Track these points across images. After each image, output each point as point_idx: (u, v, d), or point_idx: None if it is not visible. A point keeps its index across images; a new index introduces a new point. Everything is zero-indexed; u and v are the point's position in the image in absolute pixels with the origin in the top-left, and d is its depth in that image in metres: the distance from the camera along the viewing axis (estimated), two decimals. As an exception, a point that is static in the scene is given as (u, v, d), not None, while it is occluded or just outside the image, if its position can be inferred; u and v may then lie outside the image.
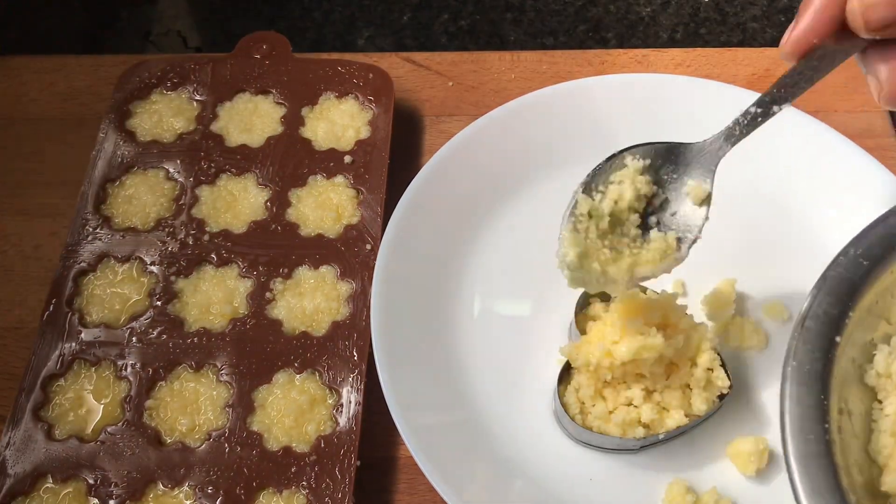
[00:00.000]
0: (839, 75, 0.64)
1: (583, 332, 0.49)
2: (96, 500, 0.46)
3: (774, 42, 0.80)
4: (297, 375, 0.50)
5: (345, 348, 0.50)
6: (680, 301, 0.49)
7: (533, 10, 0.84)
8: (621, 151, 0.44)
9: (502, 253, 0.56)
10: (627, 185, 0.43)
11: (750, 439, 0.47)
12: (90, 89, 0.66)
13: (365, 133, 0.59)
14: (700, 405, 0.47)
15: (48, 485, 0.47)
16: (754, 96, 0.57)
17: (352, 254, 0.54)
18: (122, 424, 0.48)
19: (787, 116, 0.56)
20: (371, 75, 0.61)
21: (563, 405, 0.48)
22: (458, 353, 0.52)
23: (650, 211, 0.44)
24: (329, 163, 0.58)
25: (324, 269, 0.54)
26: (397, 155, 0.60)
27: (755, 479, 0.48)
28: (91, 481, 0.47)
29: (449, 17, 0.82)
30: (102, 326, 0.52)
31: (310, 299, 0.53)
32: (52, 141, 0.63)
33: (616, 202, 0.43)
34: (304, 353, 0.50)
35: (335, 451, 0.47)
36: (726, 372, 0.47)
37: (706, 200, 0.44)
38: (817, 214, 0.55)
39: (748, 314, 0.53)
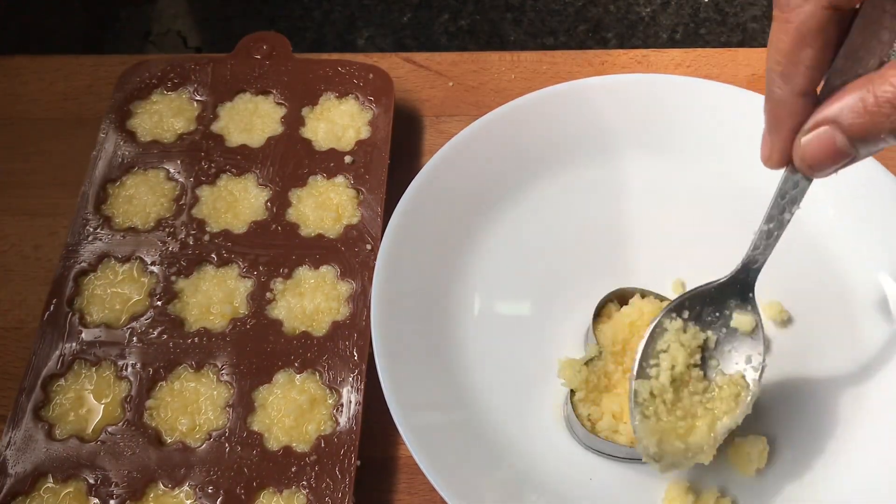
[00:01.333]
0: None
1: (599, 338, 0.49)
2: (97, 500, 0.46)
3: (774, 42, 0.80)
4: (298, 375, 0.50)
5: (345, 348, 0.51)
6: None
7: (533, 10, 0.84)
8: (658, 319, 0.45)
9: (503, 252, 0.56)
10: (676, 347, 0.44)
11: (750, 439, 0.47)
12: (90, 89, 0.66)
13: (365, 133, 0.59)
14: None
15: (48, 484, 0.47)
16: (754, 96, 0.58)
17: (352, 254, 0.54)
18: (123, 424, 0.49)
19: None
20: (371, 75, 0.61)
21: (576, 412, 0.48)
22: (458, 353, 0.52)
23: (707, 356, 0.45)
24: (329, 163, 0.58)
25: (324, 269, 0.54)
26: (397, 155, 0.60)
27: (755, 480, 0.48)
28: (91, 481, 0.47)
29: (449, 17, 0.82)
30: (103, 326, 0.52)
31: (310, 299, 0.53)
32: (52, 141, 0.63)
33: (673, 367, 0.44)
34: (305, 353, 0.50)
35: (335, 451, 0.47)
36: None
37: (756, 328, 0.45)
38: (816, 214, 0.55)
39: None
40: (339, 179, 0.57)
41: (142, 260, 0.54)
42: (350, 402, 0.49)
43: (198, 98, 0.62)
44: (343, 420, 0.48)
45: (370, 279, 0.52)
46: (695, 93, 0.59)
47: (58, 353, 0.51)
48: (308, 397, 0.49)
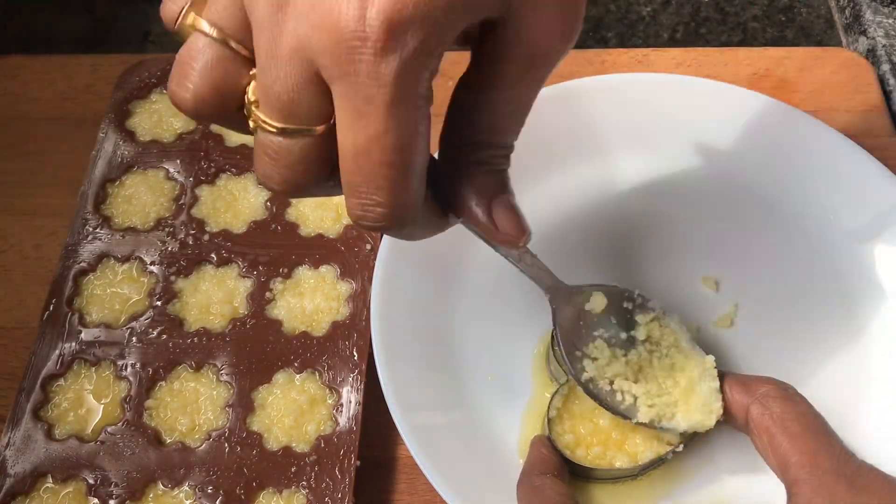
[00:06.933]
0: (839, 75, 0.65)
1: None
2: (96, 500, 0.46)
3: (775, 42, 0.80)
4: (297, 375, 0.50)
5: (345, 348, 0.50)
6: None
7: (533, 9, 0.84)
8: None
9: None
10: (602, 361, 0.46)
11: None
12: (90, 89, 0.66)
13: (365, 133, 0.59)
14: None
15: (48, 485, 0.47)
16: (755, 96, 0.58)
17: (352, 254, 0.54)
18: (122, 424, 0.49)
19: (787, 116, 0.57)
20: (371, 75, 0.61)
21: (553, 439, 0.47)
22: (458, 353, 0.52)
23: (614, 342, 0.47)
24: (329, 163, 0.58)
25: (324, 268, 0.54)
26: (397, 155, 0.59)
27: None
28: (91, 481, 0.47)
29: (449, 16, 0.82)
30: (102, 326, 0.52)
31: (310, 299, 0.53)
32: (52, 141, 0.63)
33: (605, 371, 0.46)
34: (304, 352, 0.50)
35: (335, 451, 0.47)
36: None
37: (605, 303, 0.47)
38: (816, 215, 0.55)
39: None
40: (339, 179, 0.57)
41: (141, 260, 0.54)
42: (350, 402, 0.49)
43: (197, 98, 0.61)
44: (343, 420, 0.48)
45: (370, 279, 0.52)
46: (695, 92, 0.58)
47: (57, 353, 0.51)
48: (308, 397, 0.49)
